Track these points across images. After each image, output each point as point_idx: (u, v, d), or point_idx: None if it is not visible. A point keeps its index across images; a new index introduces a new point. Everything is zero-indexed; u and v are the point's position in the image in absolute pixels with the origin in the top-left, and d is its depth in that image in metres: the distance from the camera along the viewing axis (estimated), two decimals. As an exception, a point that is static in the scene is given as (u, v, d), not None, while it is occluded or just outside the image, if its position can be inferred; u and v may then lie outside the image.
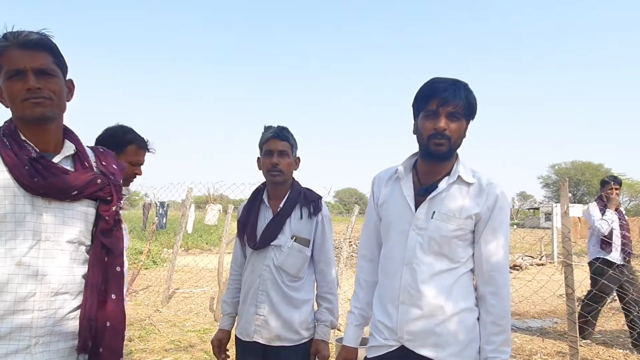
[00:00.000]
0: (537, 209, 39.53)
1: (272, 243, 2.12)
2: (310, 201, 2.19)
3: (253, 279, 2.15)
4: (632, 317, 4.91)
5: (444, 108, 1.52)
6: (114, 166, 1.44)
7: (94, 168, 1.39)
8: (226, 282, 2.55)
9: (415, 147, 1.68)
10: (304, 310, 2.14)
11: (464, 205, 1.57)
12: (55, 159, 1.31)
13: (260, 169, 2.22)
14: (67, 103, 1.37)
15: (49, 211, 1.26)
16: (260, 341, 2.10)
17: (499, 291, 1.56)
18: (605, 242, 5.05)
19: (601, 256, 5.10)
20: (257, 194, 2.28)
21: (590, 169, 49.90)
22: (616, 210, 5.18)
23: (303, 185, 2.28)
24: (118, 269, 1.36)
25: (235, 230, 2.34)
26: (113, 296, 1.34)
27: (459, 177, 1.59)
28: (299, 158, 2.27)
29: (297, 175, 2.29)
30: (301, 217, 2.16)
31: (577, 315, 3.99)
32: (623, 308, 5.09)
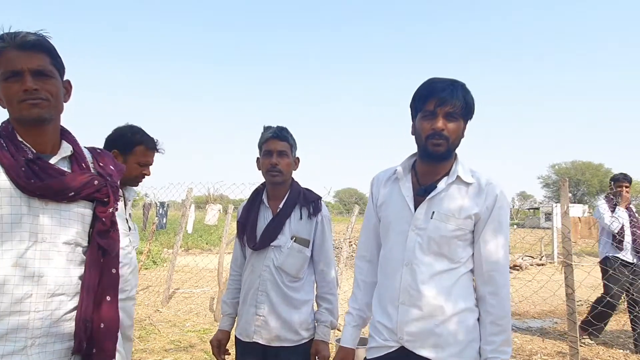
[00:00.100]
0: (537, 209, 39.50)
1: (271, 243, 2.12)
2: (310, 201, 2.19)
3: (253, 279, 2.15)
4: (632, 316, 4.89)
5: (441, 108, 1.52)
6: (112, 167, 1.44)
7: (91, 169, 1.39)
8: (226, 282, 2.55)
9: (414, 148, 1.67)
10: (303, 311, 2.14)
11: (463, 205, 1.57)
12: (52, 160, 1.31)
13: (259, 169, 2.22)
14: (65, 104, 1.37)
15: (46, 212, 1.26)
16: (260, 342, 2.10)
17: (499, 291, 1.56)
18: (618, 241, 4.93)
19: (612, 254, 5.00)
20: (256, 195, 2.28)
21: (590, 169, 49.91)
22: (626, 207, 5.06)
23: (303, 185, 2.28)
24: (114, 270, 1.36)
25: (235, 231, 2.34)
26: (108, 298, 1.34)
27: (458, 177, 1.59)
28: (298, 158, 2.27)
29: (297, 175, 2.30)
30: (301, 218, 2.16)
31: (576, 315, 3.97)
32: (628, 307, 5.01)
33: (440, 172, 1.61)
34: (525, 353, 4.84)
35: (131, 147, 2.17)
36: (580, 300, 6.14)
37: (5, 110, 1.30)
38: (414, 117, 1.63)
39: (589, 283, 6.09)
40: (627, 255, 4.97)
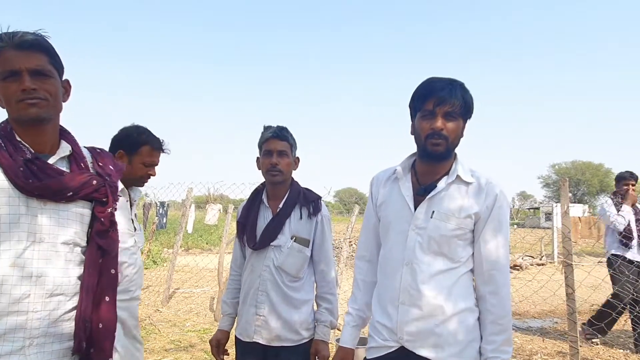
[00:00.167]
0: (537, 208, 39.54)
1: (271, 243, 2.12)
2: (310, 201, 2.19)
3: (253, 279, 2.15)
4: (633, 316, 4.88)
5: (440, 108, 1.52)
6: (111, 167, 1.44)
7: (90, 169, 1.38)
8: (226, 282, 2.55)
9: (414, 147, 1.67)
10: (303, 311, 2.13)
11: (463, 205, 1.56)
12: (51, 160, 1.30)
13: (259, 169, 2.22)
14: (64, 103, 1.37)
15: (44, 212, 1.26)
16: (260, 341, 2.10)
17: (499, 290, 1.56)
18: (626, 238, 4.87)
19: (618, 253, 4.95)
20: (256, 194, 2.28)
21: (590, 169, 49.93)
22: (632, 206, 4.99)
23: (303, 185, 2.28)
24: (113, 271, 1.36)
25: (235, 230, 2.34)
26: (107, 298, 1.34)
27: (457, 176, 1.59)
28: (298, 158, 2.26)
29: (296, 175, 2.29)
30: (301, 218, 2.16)
31: (577, 315, 3.96)
32: (629, 307, 4.97)
33: (439, 171, 1.61)
34: (525, 353, 4.83)
35: (137, 147, 2.17)
36: (581, 300, 6.13)
37: (5, 110, 1.30)
38: (413, 117, 1.63)
39: (589, 283, 6.07)
40: (633, 254, 4.90)
